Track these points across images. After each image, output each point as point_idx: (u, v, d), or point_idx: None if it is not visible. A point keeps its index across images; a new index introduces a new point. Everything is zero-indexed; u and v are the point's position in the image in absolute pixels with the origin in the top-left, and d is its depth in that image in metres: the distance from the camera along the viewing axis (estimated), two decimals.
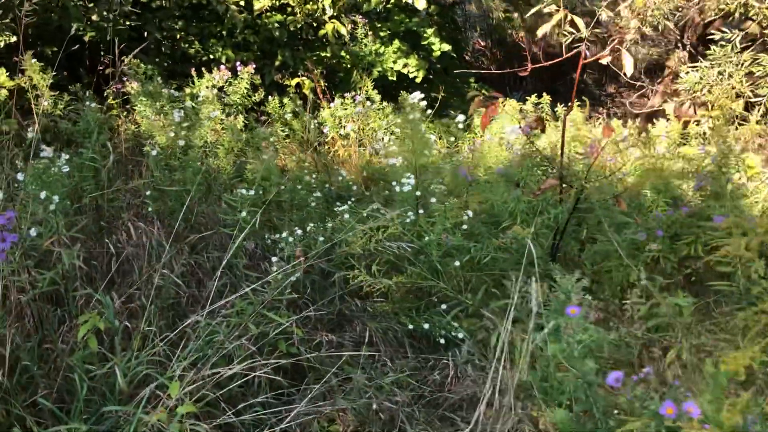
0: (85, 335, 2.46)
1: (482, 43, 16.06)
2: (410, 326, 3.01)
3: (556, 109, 7.24)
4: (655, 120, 7.72)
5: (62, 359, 2.52)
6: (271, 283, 3.02)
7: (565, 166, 3.00)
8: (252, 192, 3.07)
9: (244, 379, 2.64)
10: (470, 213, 2.97)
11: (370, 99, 6.84)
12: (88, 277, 2.97)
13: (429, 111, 7.71)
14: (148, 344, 2.67)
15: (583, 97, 5.17)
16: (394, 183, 3.36)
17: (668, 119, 6.54)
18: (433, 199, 3.00)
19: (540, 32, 2.83)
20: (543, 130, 2.86)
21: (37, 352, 2.54)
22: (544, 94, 7.10)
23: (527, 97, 7.16)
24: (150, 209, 3.36)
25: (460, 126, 6.07)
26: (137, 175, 3.99)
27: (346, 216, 3.11)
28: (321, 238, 3.04)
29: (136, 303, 2.95)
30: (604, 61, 2.75)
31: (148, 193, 3.39)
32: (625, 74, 2.78)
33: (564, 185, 2.97)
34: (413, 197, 3.09)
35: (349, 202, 3.91)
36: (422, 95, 3.68)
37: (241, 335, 2.79)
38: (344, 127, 6.51)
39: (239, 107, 5.89)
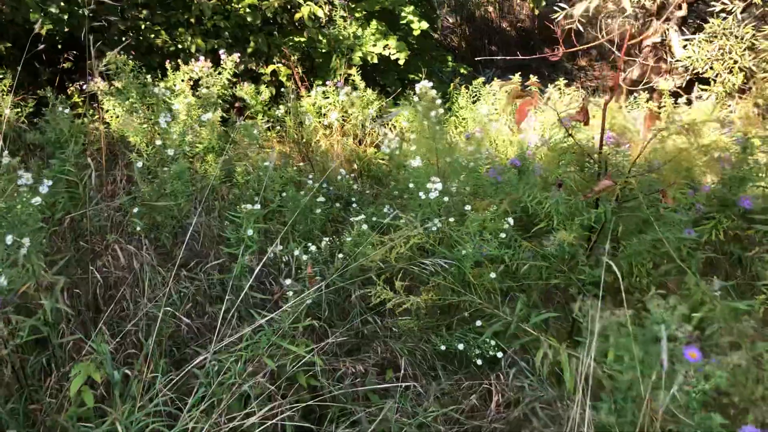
0: (79, 388, 2.10)
1: (450, 20, 15.69)
2: (442, 347, 2.70)
3: (546, 91, 6.94)
4: (636, 94, 7.50)
5: (53, 418, 2.15)
6: (283, 307, 2.68)
7: (604, 160, 2.70)
8: (258, 206, 2.70)
9: (263, 426, 2.30)
10: (511, 221, 2.66)
11: (354, 86, 6.48)
12: (74, 311, 2.59)
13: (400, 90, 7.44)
14: (150, 389, 2.32)
15: (620, 83, 4.85)
16: (411, 184, 3.03)
17: (661, 94, 6.30)
18: (468, 207, 2.67)
19: (578, 10, 2.50)
20: (587, 123, 2.56)
21: (21, 412, 2.17)
22: (532, 76, 6.79)
23: (511, 76, 6.81)
24: (138, 228, 2.97)
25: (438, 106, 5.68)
26: (116, 184, 3.58)
27: (364, 227, 2.77)
28: (340, 255, 2.70)
29: (132, 338, 2.58)
30: (649, 42, 2.43)
31: (135, 210, 2.99)
32: (672, 54, 2.48)
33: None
34: (440, 203, 2.77)
35: (354, 205, 3.57)
36: (430, 84, 3.34)
37: (255, 371, 2.45)
38: (326, 116, 6.15)
39: (217, 100, 5.48)
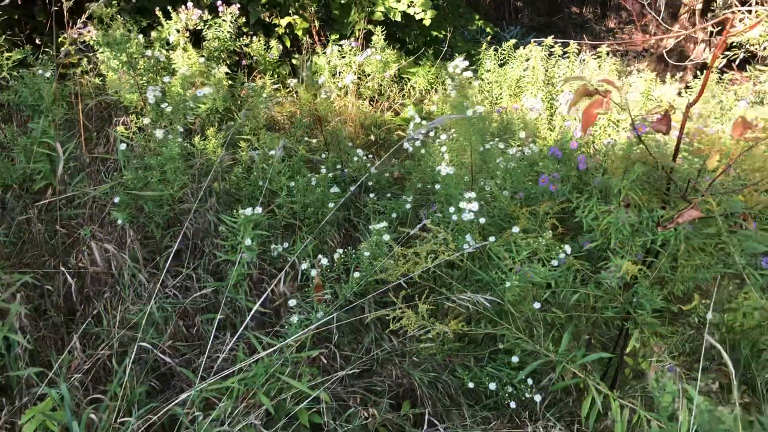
0: None
1: None
2: (470, 383, 2.30)
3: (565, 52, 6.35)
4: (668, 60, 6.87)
5: None
6: (285, 327, 2.27)
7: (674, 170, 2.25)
8: (259, 209, 2.26)
9: None
10: (568, 250, 2.22)
11: (373, 45, 5.97)
12: (34, 326, 2.18)
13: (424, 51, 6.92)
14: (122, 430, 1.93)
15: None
16: (438, 185, 2.59)
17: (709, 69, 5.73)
18: (516, 228, 2.23)
19: None
20: (667, 132, 2.10)
21: None
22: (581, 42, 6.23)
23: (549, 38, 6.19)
24: (120, 221, 2.54)
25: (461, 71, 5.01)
26: (107, 150, 3.14)
27: (386, 237, 2.34)
28: (356, 274, 2.27)
29: (105, 360, 2.18)
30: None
31: (116, 200, 2.56)
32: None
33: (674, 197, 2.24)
34: (475, 224, 2.33)
35: (371, 195, 3.13)
36: (466, 62, 2.86)
37: (249, 410, 2.05)
38: (342, 77, 5.66)
39: (221, 53, 4.99)
